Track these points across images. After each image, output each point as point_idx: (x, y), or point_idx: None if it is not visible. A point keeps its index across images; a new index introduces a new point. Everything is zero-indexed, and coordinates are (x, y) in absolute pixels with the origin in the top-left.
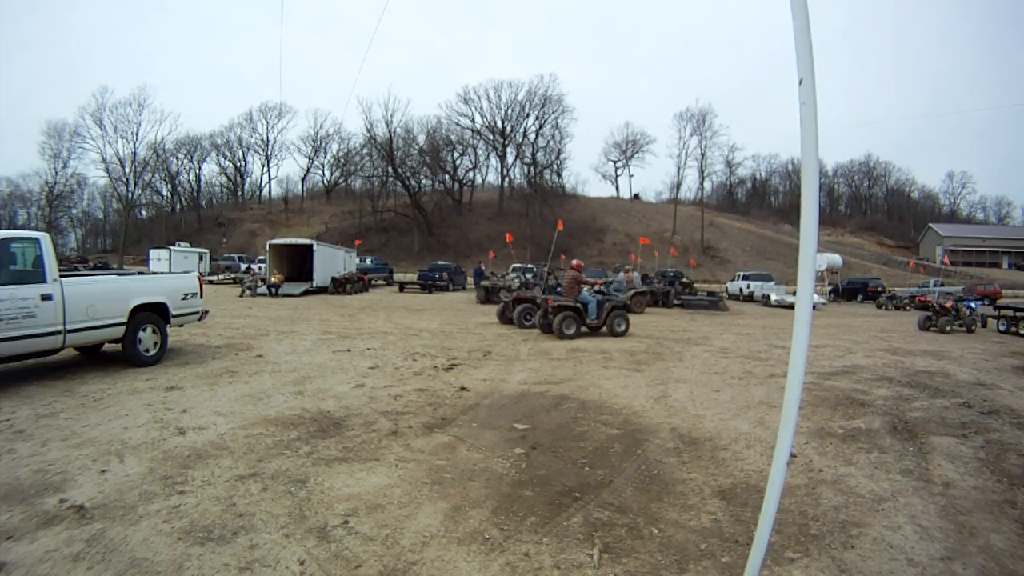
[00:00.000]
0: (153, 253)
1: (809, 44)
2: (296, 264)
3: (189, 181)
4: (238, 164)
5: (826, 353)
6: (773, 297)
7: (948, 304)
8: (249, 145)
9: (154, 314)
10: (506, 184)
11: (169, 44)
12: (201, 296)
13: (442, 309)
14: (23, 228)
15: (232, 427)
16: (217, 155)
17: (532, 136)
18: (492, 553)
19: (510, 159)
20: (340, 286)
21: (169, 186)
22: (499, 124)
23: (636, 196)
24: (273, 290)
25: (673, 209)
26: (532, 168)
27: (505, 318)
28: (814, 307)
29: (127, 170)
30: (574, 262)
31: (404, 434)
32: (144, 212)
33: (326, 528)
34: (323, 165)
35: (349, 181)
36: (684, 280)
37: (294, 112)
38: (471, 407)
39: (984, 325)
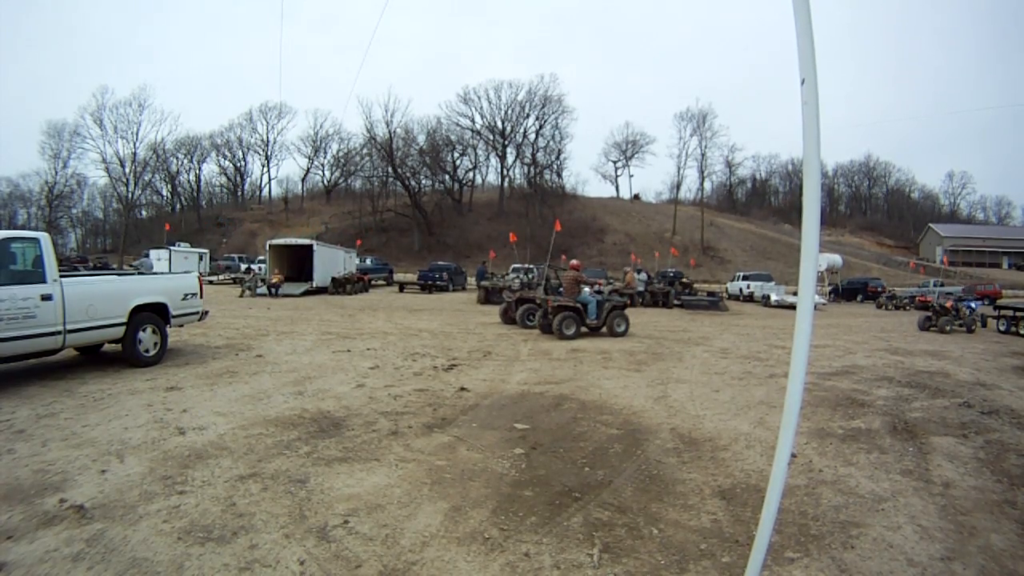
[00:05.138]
0: (153, 253)
1: (811, 44)
2: (296, 264)
3: (189, 181)
4: (238, 164)
5: (826, 353)
6: (773, 297)
7: (948, 304)
8: (249, 145)
9: (154, 314)
10: (506, 184)
11: (169, 44)
12: (201, 296)
13: (442, 309)
14: (23, 228)
15: (232, 427)
16: (217, 155)
17: (532, 136)
18: (492, 553)
19: (510, 159)
20: (340, 286)
21: (169, 186)
22: (499, 124)
23: (636, 196)
24: (273, 290)
25: (673, 209)
26: (532, 168)
27: (508, 318)
28: (814, 307)
29: (127, 170)
30: (573, 262)
31: (404, 434)
32: (144, 212)
33: (326, 528)
34: (323, 165)
35: (349, 181)
36: (684, 280)
37: (294, 112)
38: (471, 407)
39: (984, 325)
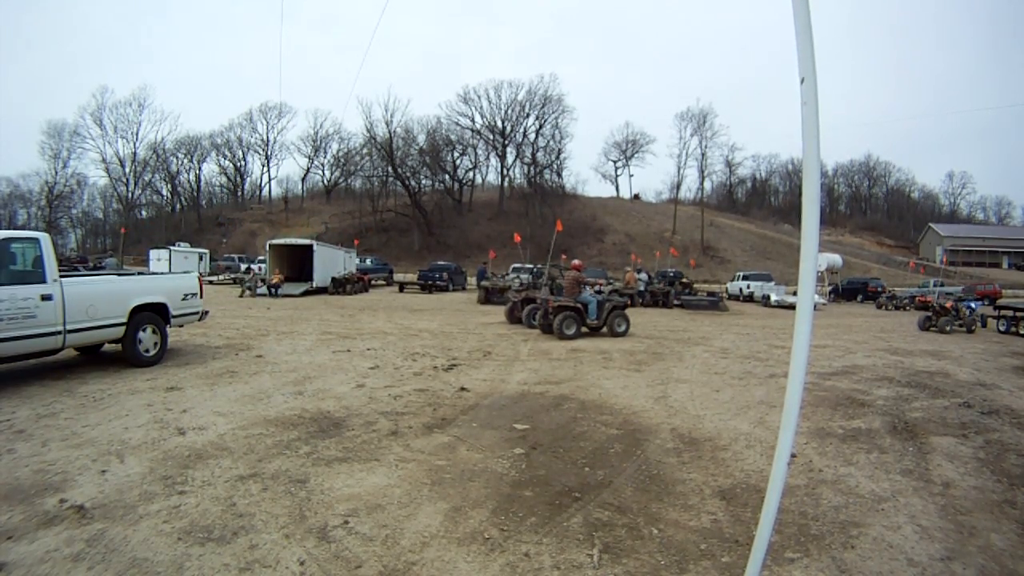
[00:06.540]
0: (153, 253)
1: (811, 43)
2: (296, 264)
3: (189, 181)
4: (238, 164)
5: (826, 353)
6: (773, 297)
7: (948, 304)
8: (249, 145)
9: (154, 314)
10: (506, 184)
11: (169, 44)
12: (201, 296)
13: (442, 309)
14: (23, 228)
15: (232, 427)
16: (217, 155)
17: (532, 136)
18: (492, 553)
19: (510, 159)
20: (340, 286)
21: (169, 186)
22: (499, 124)
23: (636, 196)
24: (273, 290)
25: (673, 209)
26: (532, 168)
27: (513, 317)
28: (814, 307)
29: (127, 170)
30: (575, 262)
31: (404, 434)
32: (144, 212)
33: (326, 528)
34: (323, 165)
35: (349, 181)
36: (684, 280)
37: (294, 112)
38: (471, 407)
39: (984, 325)
